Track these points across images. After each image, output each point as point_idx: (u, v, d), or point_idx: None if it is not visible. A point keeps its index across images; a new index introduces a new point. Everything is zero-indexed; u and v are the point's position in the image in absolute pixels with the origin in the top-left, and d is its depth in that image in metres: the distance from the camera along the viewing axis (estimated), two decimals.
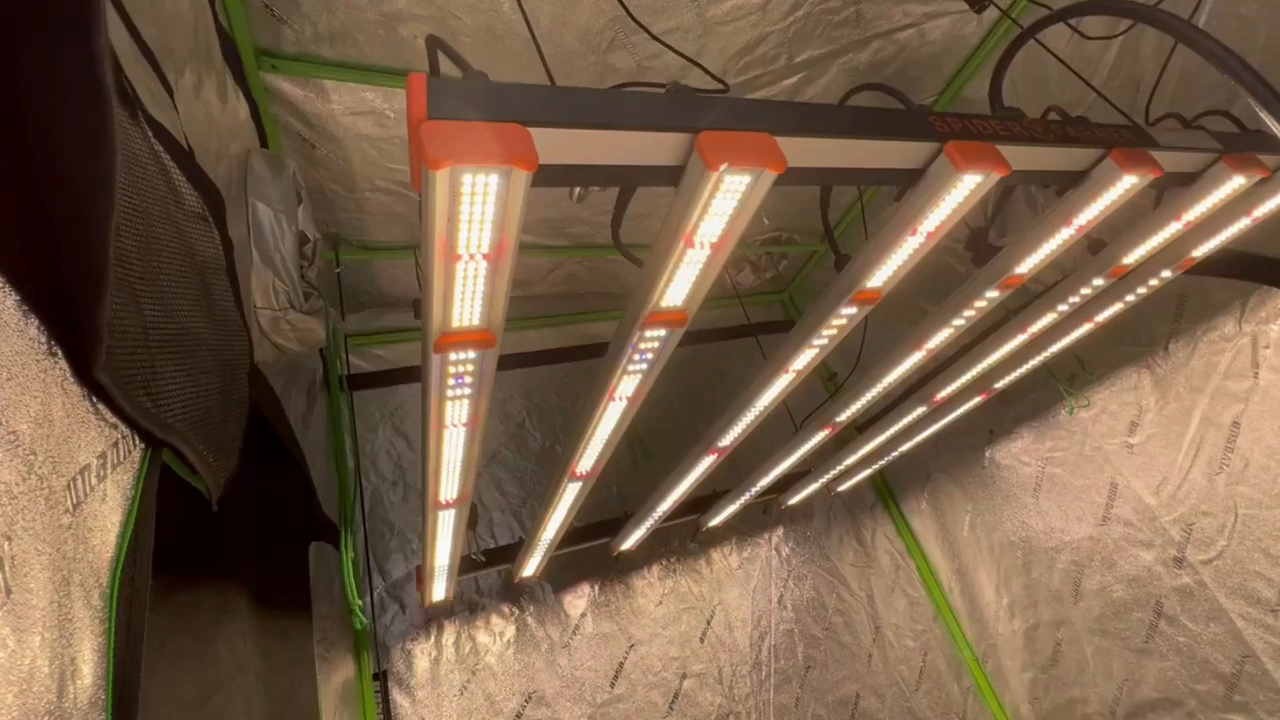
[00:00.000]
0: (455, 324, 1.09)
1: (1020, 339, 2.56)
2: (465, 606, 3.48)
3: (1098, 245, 2.39)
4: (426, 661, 3.30)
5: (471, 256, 0.97)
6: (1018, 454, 3.72)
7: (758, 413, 2.26)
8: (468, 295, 1.04)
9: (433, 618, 3.39)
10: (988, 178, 1.27)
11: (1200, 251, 2.12)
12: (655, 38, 1.85)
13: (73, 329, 0.71)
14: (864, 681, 3.93)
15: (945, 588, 4.33)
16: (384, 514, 3.55)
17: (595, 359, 4.53)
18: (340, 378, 3.63)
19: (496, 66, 2.57)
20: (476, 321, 1.11)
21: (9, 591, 0.55)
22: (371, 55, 2.46)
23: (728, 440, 2.44)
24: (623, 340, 1.36)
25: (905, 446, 3.50)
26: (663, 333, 1.36)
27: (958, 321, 2.18)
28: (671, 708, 3.53)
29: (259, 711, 1.68)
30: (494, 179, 0.86)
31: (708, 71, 1.95)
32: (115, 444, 0.84)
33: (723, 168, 1.00)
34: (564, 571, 3.72)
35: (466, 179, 0.85)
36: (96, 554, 0.75)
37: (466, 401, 1.33)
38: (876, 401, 2.66)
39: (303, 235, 1.96)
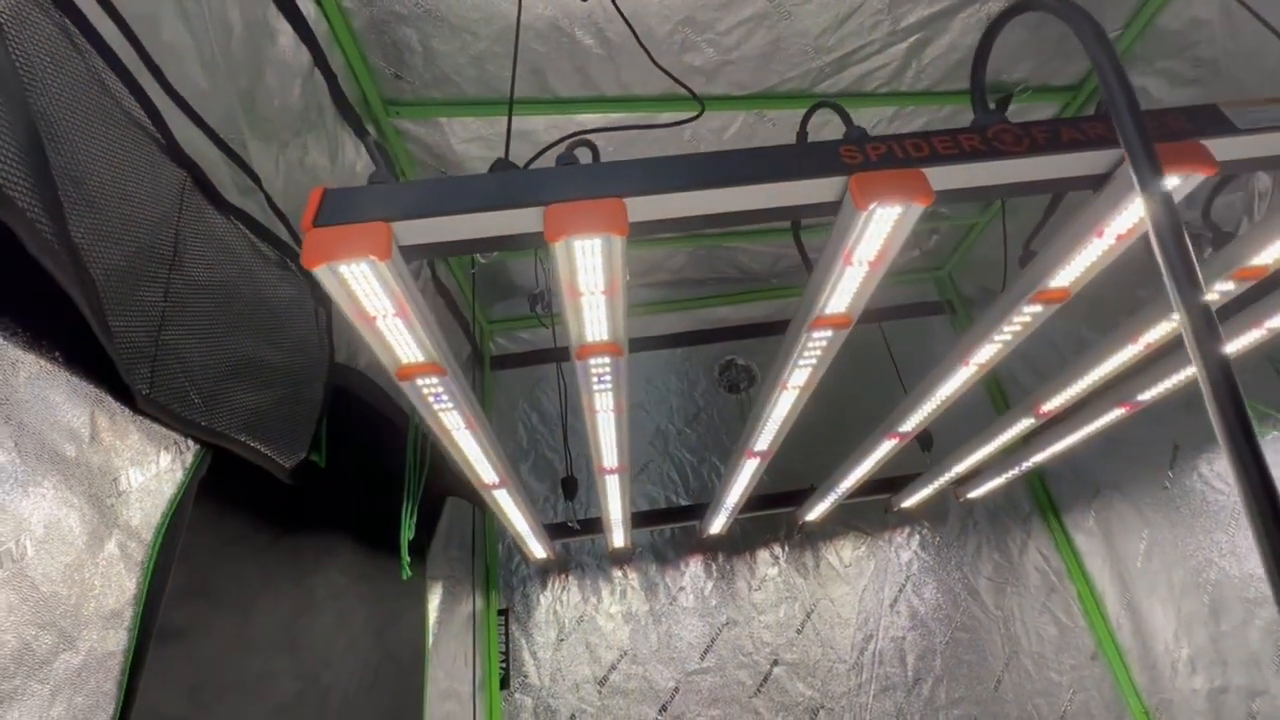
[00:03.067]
0: (403, 360, 1.37)
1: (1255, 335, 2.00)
2: (580, 567, 3.94)
3: None
4: (542, 607, 3.85)
5: (383, 315, 1.24)
6: (1209, 477, 2.98)
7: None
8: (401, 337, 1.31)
9: (548, 570, 3.92)
10: (907, 209, 1.16)
11: None
12: (656, 63, 1.90)
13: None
14: (987, 708, 3.57)
15: (1113, 622, 3.66)
16: (520, 476, 4.15)
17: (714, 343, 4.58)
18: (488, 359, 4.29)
19: (567, 82, 2.79)
20: (422, 358, 1.38)
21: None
22: (470, 91, 2.85)
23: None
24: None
25: (1039, 457, 3.03)
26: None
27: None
28: (759, 690, 3.62)
29: (358, 626, 2.24)
30: (363, 266, 1.10)
31: (688, 89, 1.98)
32: (170, 445, 1.29)
33: (565, 240, 1.11)
34: (668, 547, 3.98)
35: (342, 269, 1.10)
36: (142, 521, 1.18)
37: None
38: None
39: None
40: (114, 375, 1.12)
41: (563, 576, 3.93)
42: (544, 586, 3.90)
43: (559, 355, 4.00)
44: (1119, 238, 1.35)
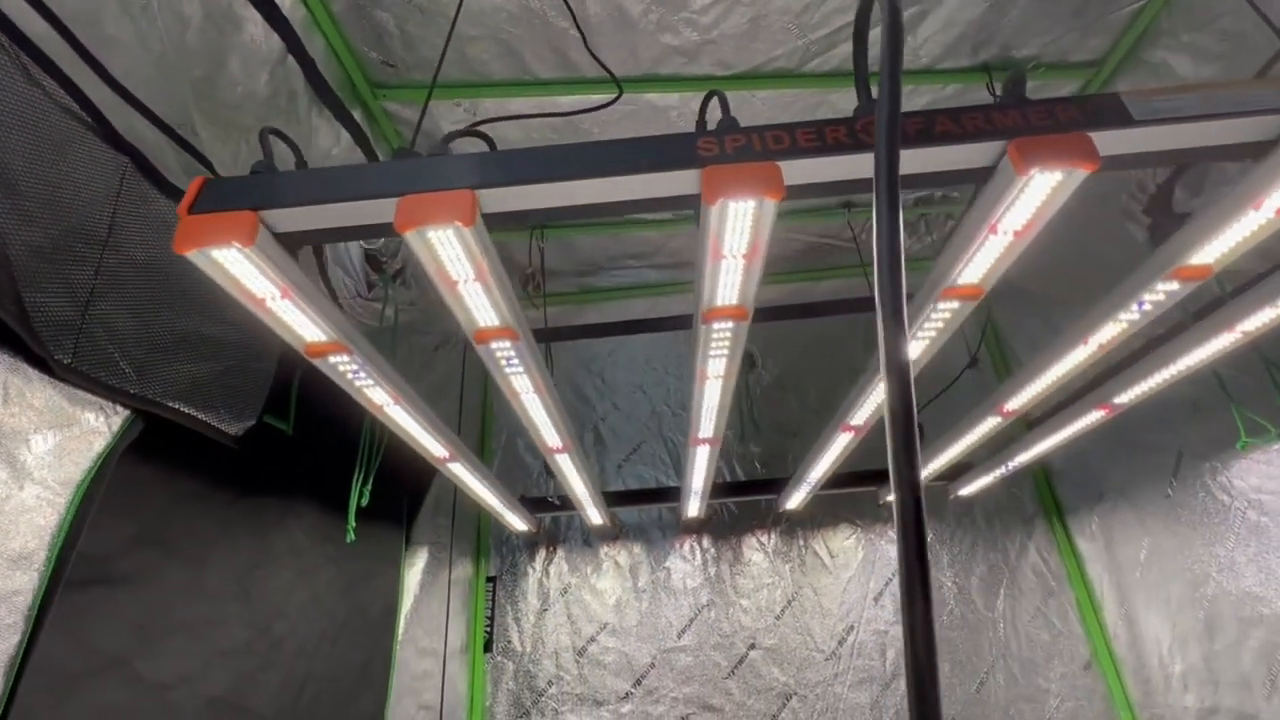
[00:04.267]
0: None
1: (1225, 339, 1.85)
2: (569, 542, 4.06)
3: None
4: (530, 577, 3.99)
5: (271, 297, 1.32)
6: (1212, 487, 2.79)
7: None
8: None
9: (537, 543, 4.05)
10: (760, 204, 1.15)
11: None
12: (587, 46, 1.90)
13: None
14: (966, 709, 3.50)
15: (1110, 631, 3.50)
16: (516, 452, 4.29)
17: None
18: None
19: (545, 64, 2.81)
20: (324, 338, 1.46)
21: None
22: (452, 75, 2.90)
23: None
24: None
25: (1023, 457, 2.91)
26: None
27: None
28: (733, 672, 3.66)
29: (323, 583, 2.41)
30: (231, 252, 1.18)
31: (609, 71, 1.97)
32: (96, 409, 1.42)
33: (417, 230, 1.16)
34: (656, 527, 4.04)
35: (214, 254, 1.18)
36: (61, 476, 1.33)
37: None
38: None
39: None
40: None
41: (552, 549, 4.06)
42: (533, 558, 4.04)
43: (547, 335, 4.08)
44: (1017, 234, 1.29)
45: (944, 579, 3.80)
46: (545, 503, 3.55)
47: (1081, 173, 1.13)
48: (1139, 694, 3.31)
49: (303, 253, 2.00)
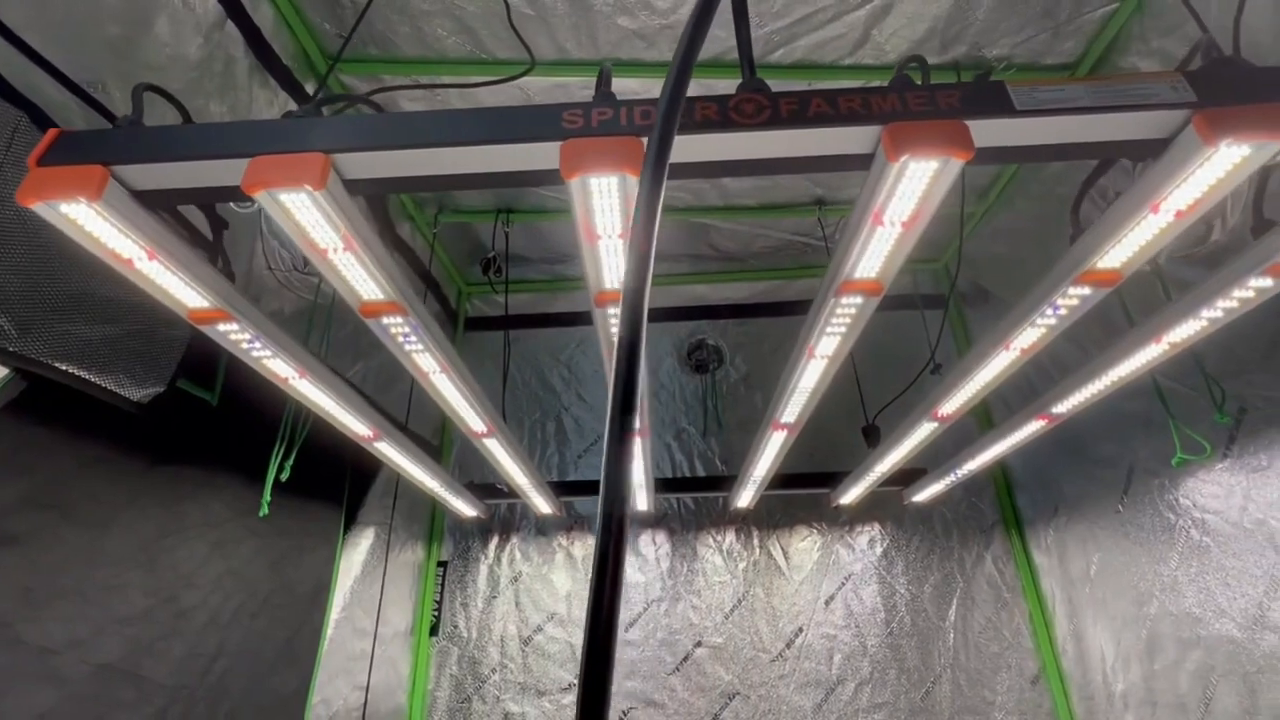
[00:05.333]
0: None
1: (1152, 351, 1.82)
2: (523, 530, 4.04)
3: (1265, 225, 1.66)
4: (482, 564, 3.97)
5: (139, 259, 1.29)
6: (1160, 504, 2.73)
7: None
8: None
9: (492, 530, 4.03)
10: (621, 179, 1.11)
11: None
12: (512, 23, 1.85)
13: None
14: (908, 717, 3.46)
15: (1059, 646, 3.45)
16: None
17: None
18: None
19: (501, 43, 2.76)
20: (206, 305, 1.43)
21: None
22: (408, 50, 2.86)
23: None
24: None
25: (972, 466, 2.85)
26: None
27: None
28: (678, 669, 3.63)
29: (243, 556, 2.39)
30: (79, 207, 1.15)
31: (525, 45, 1.93)
32: None
33: (265, 192, 1.12)
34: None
35: (63, 208, 1.15)
36: None
37: None
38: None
39: None
40: None
41: (505, 537, 4.03)
42: (485, 545, 4.02)
43: (515, 322, 4.04)
44: (904, 225, 1.24)
45: (897, 585, 3.76)
46: (494, 489, 3.52)
47: (957, 162, 1.08)
48: (1082, 710, 3.26)
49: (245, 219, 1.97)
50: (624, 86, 3.01)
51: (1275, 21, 2.08)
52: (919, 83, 1.21)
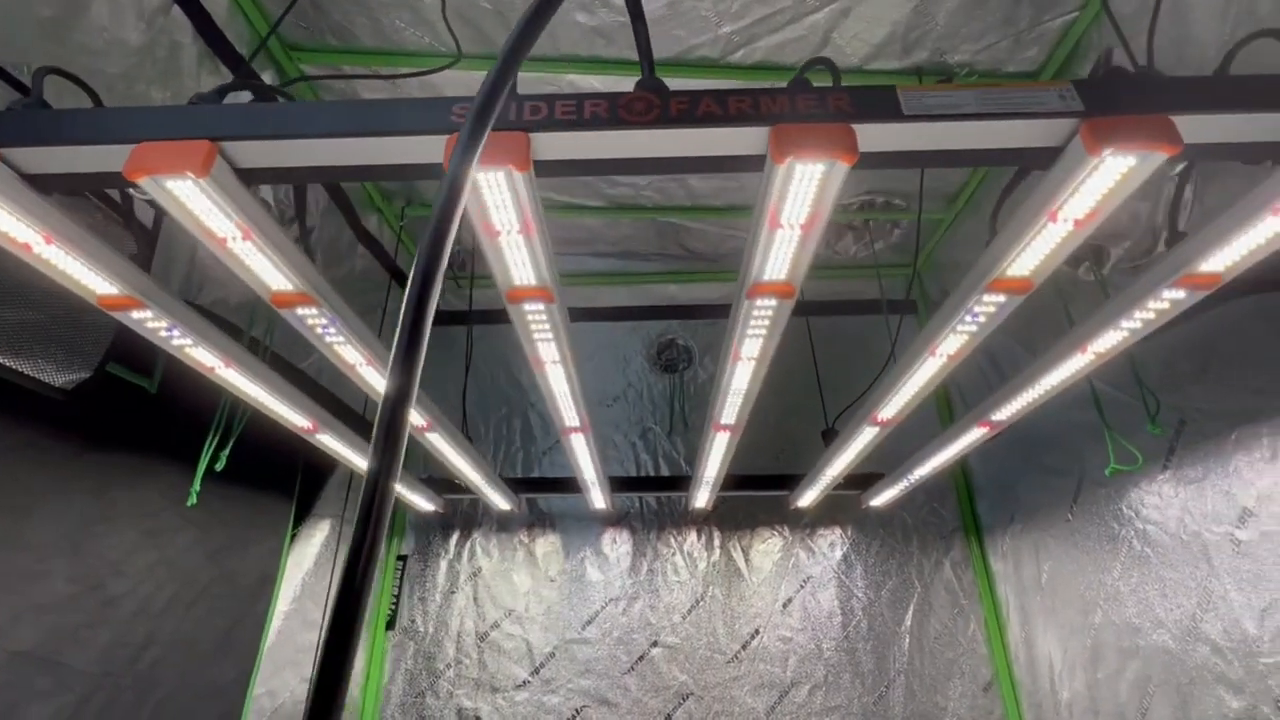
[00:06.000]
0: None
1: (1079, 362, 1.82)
2: (485, 526, 4.03)
3: (1178, 237, 1.67)
4: (442, 559, 3.96)
5: (37, 243, 1.27)
6: (1106, 514, 2.74)
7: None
8: None
9: (453, 525, 4.02)
10: (507, 174, 1.10)
11: None
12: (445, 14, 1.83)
13: None
14: None
15: (1012, 653, 3.46)
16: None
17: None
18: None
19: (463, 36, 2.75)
20: (115, 291, 1.41)
21: None
22: (367, 40, 2.85)
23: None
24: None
25: (923, 471, 2.86)
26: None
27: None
28: (633, 668, 3.63)
29: (180, 546, 2.38)
30: None
31: (454, 36, 1.92)
32: None
33: (150, 179, 1.11)
34: (572, 518, 4.00)
35: None
36: None
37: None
38: None
39: None
40: None
41: (467, 533, 4.02)
42: (446, 540, 4.01)
43: (478, 317, 4.03)
44: (803, 227, 1.24)
45: (855, 589, 3.76)
46: (452, 484, 3.51)
47: (843, 165, 1.08)
48: (1031, 717, 3.27)
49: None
50: (586, 83, 3.00)
51: (1219, 33, 2.09)
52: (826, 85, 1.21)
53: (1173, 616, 2.36)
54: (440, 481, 3.54)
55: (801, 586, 3.80)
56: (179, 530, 2.39)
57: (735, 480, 3.93)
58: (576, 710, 3.55)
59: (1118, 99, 1.09)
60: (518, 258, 1.32)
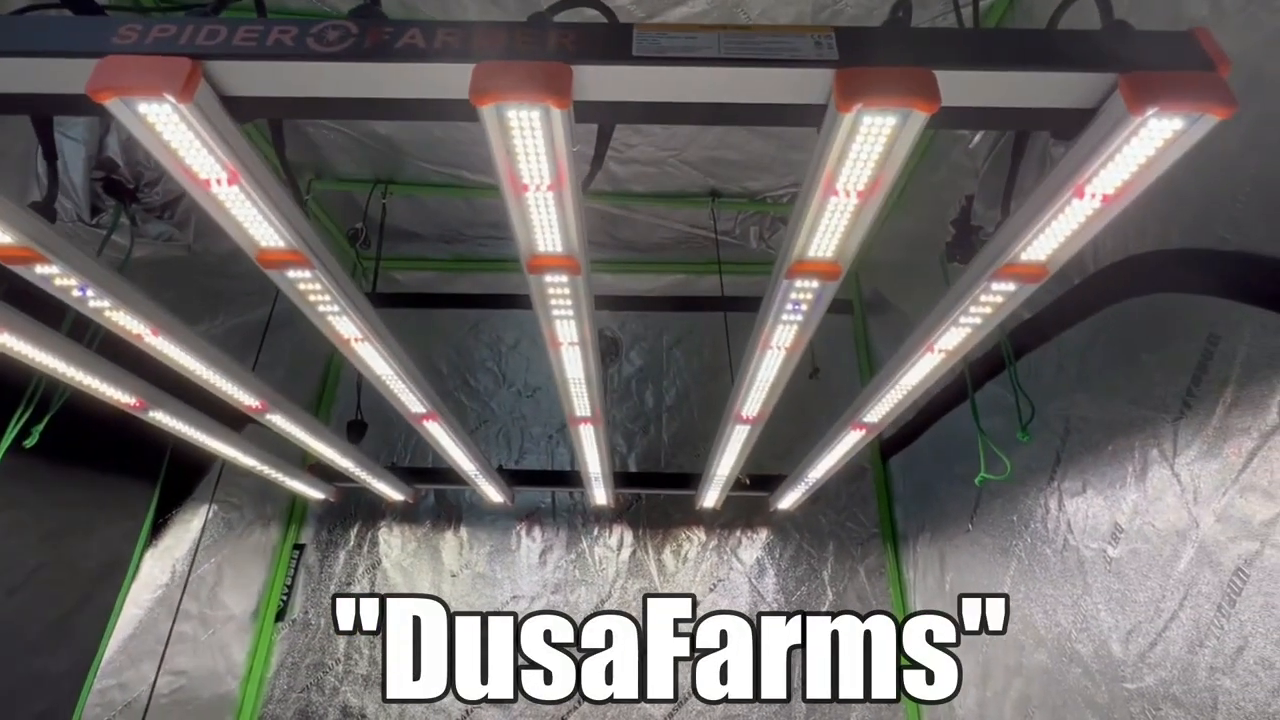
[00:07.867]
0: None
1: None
2: (389, 517, 3.88)
3: None
4: (341, 549, 3.81)
5: None
6: (1000, 526, 2.62)
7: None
8: None
9: (356, 515, 3.86)
10: (175, 107, 0.94)
11: None
12: None
13: None
14: None
15: None
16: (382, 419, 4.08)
17: None
18: None
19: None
20: None
21: None
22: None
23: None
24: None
25: (815, 474, 2.73)
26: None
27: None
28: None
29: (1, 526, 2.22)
30: None
31: None
32: None
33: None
34: (478, 510, 3.85)
35: None
36: None
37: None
38: None
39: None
40: None
41: (371, 524, 3.87)
42: (347, 530, 3.85)
43: (373, 300, 3.85)
44: (550, 187, 1.08)
45: (765, 594, 3.63)
46: (341, 474, 3.34)
47: (557, 111, 0.93)
48: None
49: None
50: None
51: None
52: None
53: (1051, 635, 2.24)
54: (323, 468, 3.38)
55: (711, 590, 3.67)
56: (1, 510, 2.22)
57: (646, 478, 3.81)
58: (467, 711, 3.41)
59: (881, 48, 0.95)
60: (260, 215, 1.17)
